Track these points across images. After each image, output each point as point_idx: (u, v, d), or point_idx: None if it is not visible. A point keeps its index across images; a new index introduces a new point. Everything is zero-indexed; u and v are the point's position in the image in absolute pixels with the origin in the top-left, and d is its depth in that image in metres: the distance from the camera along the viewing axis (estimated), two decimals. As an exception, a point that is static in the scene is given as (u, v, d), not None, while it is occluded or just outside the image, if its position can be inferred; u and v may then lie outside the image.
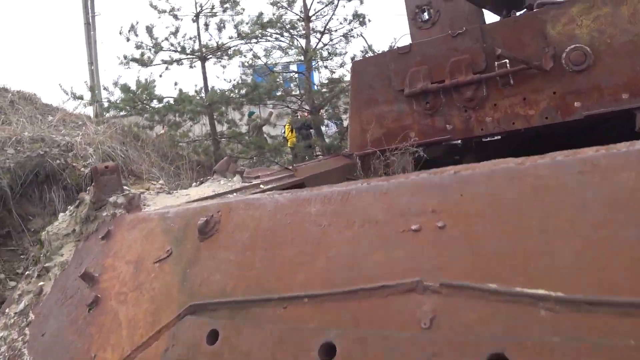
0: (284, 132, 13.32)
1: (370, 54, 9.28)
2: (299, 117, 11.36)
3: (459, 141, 5.05)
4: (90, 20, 16.43)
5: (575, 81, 4.46)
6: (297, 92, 9.95)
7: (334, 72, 9.56)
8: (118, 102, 10.63)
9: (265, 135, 12.15)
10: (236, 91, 8.68)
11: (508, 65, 4.60)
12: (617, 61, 4.29)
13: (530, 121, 4.70)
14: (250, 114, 14.87)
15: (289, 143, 13.11)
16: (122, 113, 10.54)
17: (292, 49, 9.95)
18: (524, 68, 4.51)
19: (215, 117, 9.30)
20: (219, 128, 10.09)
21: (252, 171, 4.52)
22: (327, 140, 10.01)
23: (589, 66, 4.38)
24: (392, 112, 5.22)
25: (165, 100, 10.15)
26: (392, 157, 5.26)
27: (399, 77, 5.08)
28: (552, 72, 4.47)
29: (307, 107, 9.77)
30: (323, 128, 11.73)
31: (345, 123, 10.44)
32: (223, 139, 10.10)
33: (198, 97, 9.64)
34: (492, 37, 4.67)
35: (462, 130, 4.96)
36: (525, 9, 5.00)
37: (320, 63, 9.88)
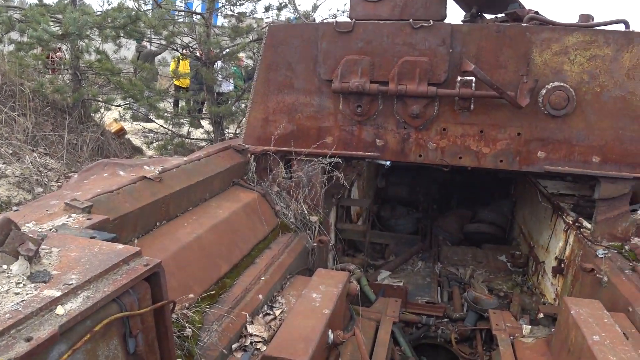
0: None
1: (292, 14, 7.62)
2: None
3: (388, 163, 3.94)
4: None
5: (548, 128, 3.57)
6: (195, 36, 8.02)
7: (243, 22, 7.76)
8: None
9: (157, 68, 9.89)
10: (109, 20, 6.53)
11: (474, 85, 3.55)
12: (601, 117, 3.47)
13: (482, 161, 3.76)
14: (139, 42, 12.13)
15: (175, 81, 10.79)
16: None
17: None
18: (493, 96, 3.49)
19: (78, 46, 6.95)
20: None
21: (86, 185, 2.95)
22: (219, 103, 8.25)
23: (567, 114, 3.50)
24: (310, 106, 3.90)
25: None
26: (297, 165, 4.00)
27: (329, 62, 3.76)
28: (523, 109, 3.52)
29: (198, 54, 7.90)
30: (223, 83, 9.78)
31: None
32: (91, 73, 7.69)
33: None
34: (463, 43, 3.55)
35: (395, 151, 3.85)
36: (508, 18, 3.93)
37: (227, 6, 7.99)
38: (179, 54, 8.97)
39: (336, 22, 3.72)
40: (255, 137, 4.03)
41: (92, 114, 7.69)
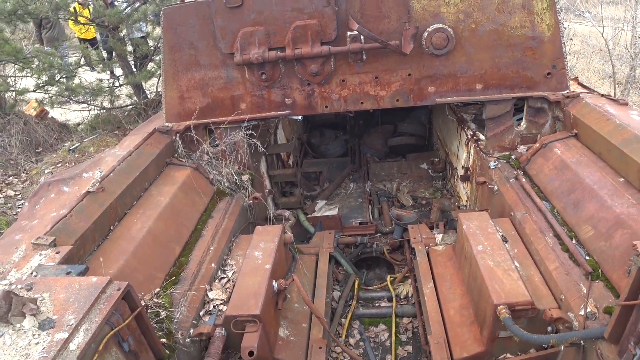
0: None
1: None
2: None
3: (300, 117, 4.60)
4: None
5: (433, 66, 4.27)
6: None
7: None
8: None
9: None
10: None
11: (362, 39, 4.13)
12: (478, 50, 4.18)
13: (380, 102, 4.47)
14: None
15: (78, 34, 10.18)
16: None
17: None
18: (380, 47, 4.10)
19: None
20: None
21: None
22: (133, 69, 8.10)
23: (449, 52, 4.19)
24: (219, 79, 4.41)
25: None
26: (220, 136, 4.59)
27: (227, 37, 4.21)
28: (410, 53, 4.18)
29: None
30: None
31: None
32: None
33: None
34: (346, 1, 4.06)
35: (303, 106, 4.48)
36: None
37: None
38: (76, 3, 8.73)
39: (227, -4, 4.12)
40: (175, 114, 4.55)
41: (10, 111, 7.66)
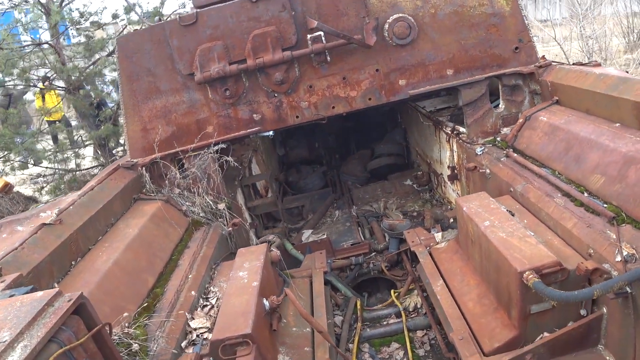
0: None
1: (136, 17, 7.44)
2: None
3: (271, 133, 4.26)
4: None
5: (400, 57, 4.04)
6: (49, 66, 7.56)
7: (92, 37, 7.46)
8: None
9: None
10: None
11: (324, 39, 3.90)
12: (442, 34, 3.99)
13: (352, 104, 4.17)
14: None
15: (47, 116, 9.97)
16: None
17: (26, 6, 7.38)
18: (343, 43, 3.87)
19: None
20: None
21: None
22: (100, 124, 7.92)
23: (413, 40, 3.98)
24: (182, 104, 4.08)
25: None
26: (188, 162, 4.19)
27: (185, 57, 3.93)
28: (374, 47, 3.95)
29: (60, 85, 7.51)
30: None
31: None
32: None
33: None
34: (302, 2, 3.86)
35: (273, 119, 4.16)
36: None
37: (73, 29, 7.59)
38: (39, 87, 8.53)
39: (179, 16, 3.89)
40: (140, 148, 4.16)
41: None
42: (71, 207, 3.21)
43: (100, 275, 2.87)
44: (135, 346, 2.52)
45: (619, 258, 2.38)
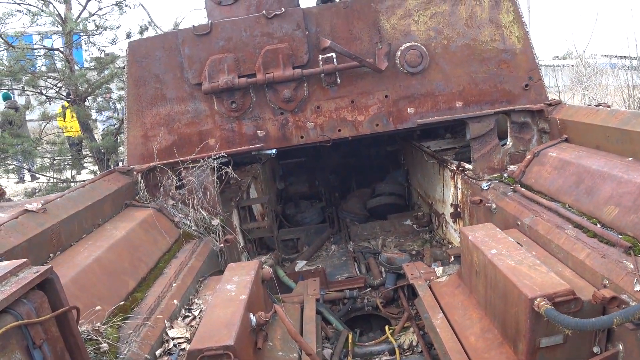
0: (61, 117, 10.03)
1: (152, 31, 7.60)
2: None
3: (274, 151, 4.10)
4: None
5: (410, 85, 3.95)
6: (57, 74, 7.53)
7: (104, 51, 7.55)
8: None
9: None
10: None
11: (335, 60, 3.84)
12: (454, 66, 3.93)
13: (359, 128, 4.05)
14: (5, 96, 11.13)
15: (67, 132, 9.88)
16: None
17: (43, 16, 7.51)
18: (354, 66, 3.80)
19: None
20: None
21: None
22: (99, 138, 7.87)
23: (424, 69, 3.91)
24: (187, 113, 3.96)
25: None
26: (187, 172, 4.02)
27: (194, 66, 3.85)
28: (385, 73, 3.88)
29: (66, 94, 7.48)
30: (99, 122, 9.25)
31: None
32: None
33: None
34: (317, 23, 3.83)
35: (277, 138, 4.02)
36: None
37: (86, 38, 7.69)
38: (64, 103, 8.47)
39: (194, 26, 3.84)
40: (139, 155, 4.00)
41: None
42: (58, 199, 3.01)
43: (78, 270, 2.63)
44: (105, 345, 2.25)
45: (637, 287, 2.17)
